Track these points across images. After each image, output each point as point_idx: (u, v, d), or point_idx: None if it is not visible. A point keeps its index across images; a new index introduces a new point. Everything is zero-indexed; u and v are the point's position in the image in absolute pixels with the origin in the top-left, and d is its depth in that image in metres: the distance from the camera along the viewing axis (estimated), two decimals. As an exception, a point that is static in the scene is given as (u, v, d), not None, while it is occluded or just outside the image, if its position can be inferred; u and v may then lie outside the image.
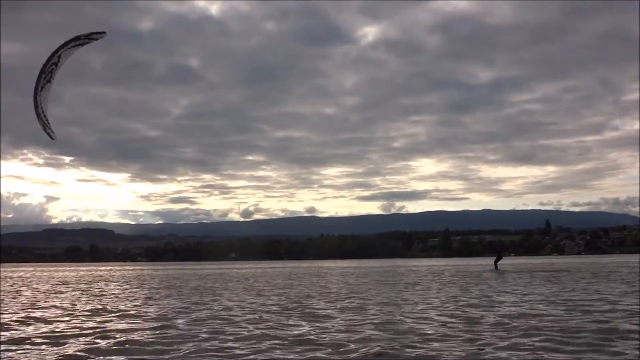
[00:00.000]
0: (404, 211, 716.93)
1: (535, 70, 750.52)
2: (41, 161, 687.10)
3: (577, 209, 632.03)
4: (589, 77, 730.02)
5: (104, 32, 15.50)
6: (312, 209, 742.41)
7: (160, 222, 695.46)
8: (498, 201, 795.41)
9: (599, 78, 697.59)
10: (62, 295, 19.20)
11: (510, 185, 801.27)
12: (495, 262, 42.62)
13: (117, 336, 8.90)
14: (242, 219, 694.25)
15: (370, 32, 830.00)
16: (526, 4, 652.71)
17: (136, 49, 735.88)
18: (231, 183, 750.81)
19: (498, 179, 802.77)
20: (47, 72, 15.42)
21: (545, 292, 16.81)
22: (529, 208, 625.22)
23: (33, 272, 58.74)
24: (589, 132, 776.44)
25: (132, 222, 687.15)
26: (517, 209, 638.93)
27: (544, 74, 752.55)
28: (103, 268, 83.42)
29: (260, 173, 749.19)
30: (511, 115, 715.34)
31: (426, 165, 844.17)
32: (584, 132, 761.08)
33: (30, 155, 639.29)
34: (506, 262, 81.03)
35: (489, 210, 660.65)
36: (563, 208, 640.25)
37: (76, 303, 15.72)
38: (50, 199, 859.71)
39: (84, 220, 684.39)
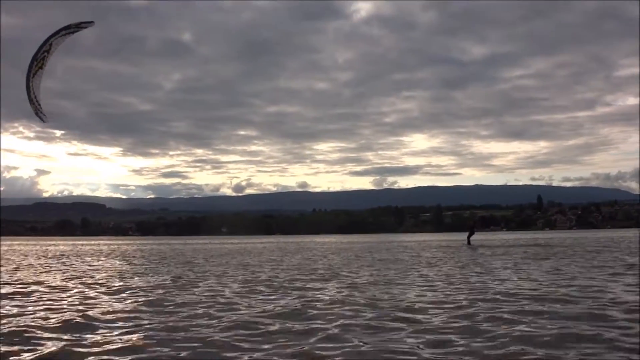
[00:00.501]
0: (396, 186, 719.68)
1: (528, 46, 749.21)
2: (32, 135, 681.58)
3: (569, 184, 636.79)
4: (581, 53, 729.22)
5: (92, 22, 17.75)
6: (304, 184, 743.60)
7: (152, 196, 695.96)
8: (490, 176, 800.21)
9: (591, 54, 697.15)
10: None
11: (502, 161, 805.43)
12: (468, 237, 43.03)
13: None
14: (234, 194, 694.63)
15: (363, 7, 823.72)
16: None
17: (129, 22, 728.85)
18: (223, 158, 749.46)
19: (490, 154, 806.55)
20: (39, 59, 16.42)
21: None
22: (520, 183, 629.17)
23: (28, 246, 57.84)
24: (581, 108, 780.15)
25: (124, 197, 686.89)
26: (509, 184, 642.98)
27: (536, 50, 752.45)
28: (98, 242, 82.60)
29: (253, 148, 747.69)
30: (504, 90, 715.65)
31: (418, 141, 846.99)
32: (576, 107, 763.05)
33: (21, 129, 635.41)
34: (495, 236, 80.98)
35: (481, 185, 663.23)
36: (554, 183, 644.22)
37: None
38: (41, 172, 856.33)
39: (75, 194, 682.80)
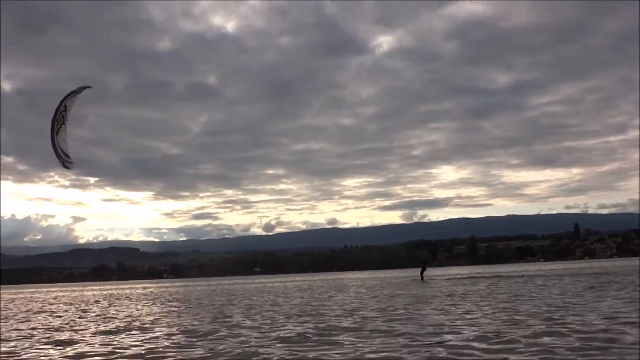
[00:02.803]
0: (426, 219, 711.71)
1: (555, 72, 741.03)
2: (67, 183, 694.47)
3: (605, 211, 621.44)
4: (610, 77, 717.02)
5: (90, 87, 20.08)
6: (333, 221, 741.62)
7: (184, 238, 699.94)
8: (522, 206, 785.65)
9: (620, 77, 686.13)
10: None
11: (535, 190, 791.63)
12: (421, 273, 44.19)
13: None
14: (264, 233, 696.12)
15: (385, 41, 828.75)
16: (543, 4, 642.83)
17: (155, 68, 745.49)
18: (252, 197, 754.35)
19: (521, 184, 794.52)
20: (58, 119, 18.79)
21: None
22: (554, 212, 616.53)
23: (78, 292, 58.69)
24: (613, 132, 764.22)
25: (157, 240, 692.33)
26: (543, 213, 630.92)
27: (564, 75, 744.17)
28: (139, 286, 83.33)
29: (281, 186, 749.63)
30: (532, 118, 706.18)
31: (447, 173, 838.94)
32: (607, 132, 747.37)
33: (56, 178, 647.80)
34: (535, 267, 79.45)
35: (514, 215, 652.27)
36: (590, 211, 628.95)
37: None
38: (77, 219, 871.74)
39: (109, 239, 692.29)
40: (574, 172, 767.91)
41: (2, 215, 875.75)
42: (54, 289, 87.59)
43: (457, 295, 20.96)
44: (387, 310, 15.69)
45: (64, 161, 19.06)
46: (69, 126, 19.24)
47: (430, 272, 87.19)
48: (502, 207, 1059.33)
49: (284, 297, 26.32)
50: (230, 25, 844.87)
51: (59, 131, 18.83)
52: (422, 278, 42.43)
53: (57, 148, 18.81)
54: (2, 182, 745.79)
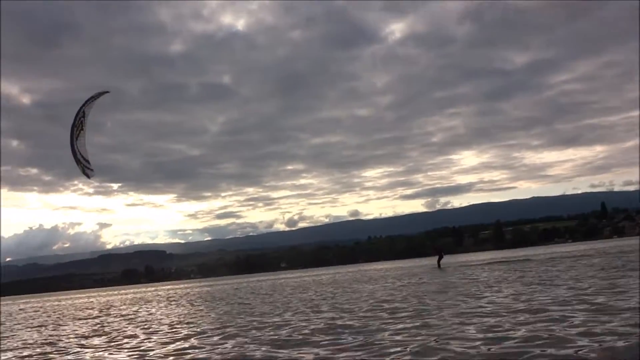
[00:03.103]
0: (449, 206, 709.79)
1: (571, 49, 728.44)
2: (91, 190, 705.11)
3: (632, 188, 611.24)
4: (627, 50, 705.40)
5: (108, 91, 20.31)
6: (355, 212, 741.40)
7: (209, 238, 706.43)
8: (547, 187, 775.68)
9: (637, 49, 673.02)
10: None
11: (558, 170, 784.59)
12: (438, 261, 44.93)
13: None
14: (287, 229, 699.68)
15: (397, 28, 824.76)
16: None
17: (169, 72, 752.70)
18: (274, 194, 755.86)
19: (544, 165, 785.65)
20: (77, 125, 19.21)
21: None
22: (580, 192, 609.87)
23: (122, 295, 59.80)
24: (634, 107, 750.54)
25: (182, 241, 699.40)
26: (568, 193, 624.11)
27: (581, 51, 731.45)
28: (182, 286, 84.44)
29: (302, 181, 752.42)
30: (551, 97, 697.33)
31: (468, 158, 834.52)
32: (628, 107, 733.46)
33: (80, 186, 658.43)
34: (561, 249, 78.79)
35: (538, 197, 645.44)
36: (616, 188, 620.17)
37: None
38: (103, 225, 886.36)
39: (136, 243, 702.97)
40: (598, 150, 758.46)
41: (30, 225, 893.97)
42: (103, 293, 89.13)
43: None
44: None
45: (84, 167, 19.46)
46: (87, 132, 19.66)
47: (457, 258, 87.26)
48: (526, 189, 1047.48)
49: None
50: (240, 24, 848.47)
51: (78, 137, 19.25)
52: (439, 266, 42.84)
53: (77, 154, 19.21)
54: (28, 193, 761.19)
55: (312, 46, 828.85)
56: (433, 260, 57.98)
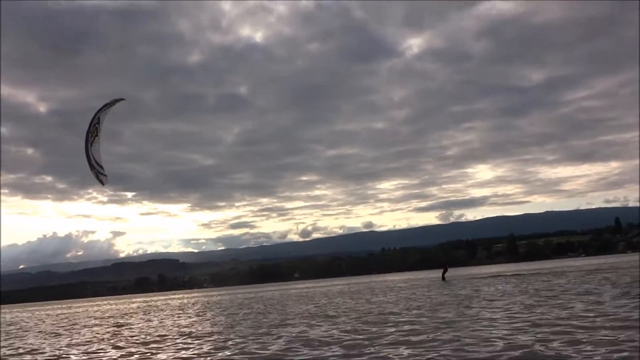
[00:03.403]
0: (463, 219, 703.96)
1: (589, 67, 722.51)
2: (105, 199, 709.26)
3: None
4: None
5: (123, 99, 20.44)
6: (369, 224, 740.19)
7: (223, 248, 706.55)
8: (561, 202, 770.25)
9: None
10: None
11: (573, 185, 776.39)
12: (443, 274, 46.45)
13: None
14: (301, 239, 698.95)
15: (414, 43, 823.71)
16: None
17: (187, 82, 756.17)
18: (288, 204, 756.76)
19: (559, 179, 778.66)
20: (92, 131, 19.57)
21: None
22: (594, 207, 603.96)
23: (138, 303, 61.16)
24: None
25: (196, 250, 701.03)
26: (582, 208, 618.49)
27: (598, 69, 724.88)
28: (190, 295, 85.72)
29: (316, 192, 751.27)
30: (567, 114, 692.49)
31: (482, 172, 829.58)
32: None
33: (95, 194, 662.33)
34: (573, 263, 79.04)
35: (552, 212, 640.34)
36: (630, 204, 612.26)
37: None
38: (117, 234, 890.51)
39: (149, 252, 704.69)
40: (613, 166, 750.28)
41: (44, 233, 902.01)
42: (121, 301, 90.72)
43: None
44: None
45: (98, 172, 19.78)
46: (105, 141, 20.22)
47: (469, 270, 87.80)
48: (540, 203, 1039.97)
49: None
50: (258, 36, 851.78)
51: (92, 143, 19.63)
52: (443, 279, 44.08)
53: (91, 159, 19.58)
54: (42, 201, 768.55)
55: (329, 59, 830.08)
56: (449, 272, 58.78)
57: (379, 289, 34.25)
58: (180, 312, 25.26)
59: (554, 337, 8.62)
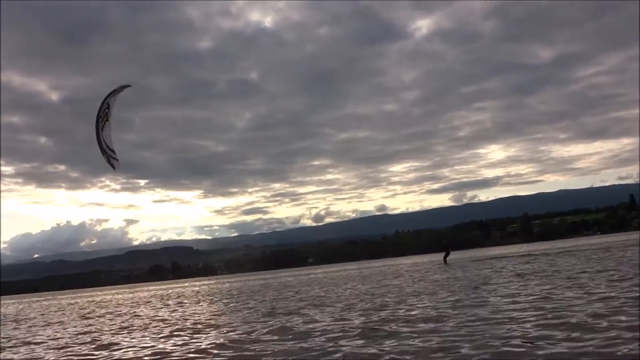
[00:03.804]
0: (476, 200, 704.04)
1: (598, 43, 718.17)
2: (118, 187, 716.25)
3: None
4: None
5: (129, 85, 20.28)
6: (382, 207, 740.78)
7: (236, 234, 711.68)
8: (574, 180, 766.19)
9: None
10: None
11: (586, 163, 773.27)
12: (445, 257, 45.95)
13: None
14: (314, 224, 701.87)
15: (423, 25, 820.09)
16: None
17: (197, 68, 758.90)
18: (301, 189, 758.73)
19: (571, 158, 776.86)
20: (102, 116, 19.36)
21: None
22: (607, 184, 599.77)
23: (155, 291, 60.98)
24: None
25: (209, 237, 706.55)
26: (595, 186, 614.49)
27: (607, 45, 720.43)
28: (208, 282, 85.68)
29: (328, 176, 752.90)
30: (578, 90, 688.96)
31: (495, 152, 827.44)
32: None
33: (108, 182, 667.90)
34: (588, 241, 77.92)
35: (565, 190, 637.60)
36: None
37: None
38: (130, 222, 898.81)
39: (163, 239, 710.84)
40: (625, 142, 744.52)
41: (58, 222, 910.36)
42: (142, 289, 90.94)
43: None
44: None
45: (109, 156, 19.55)
46: (115, 130, 19.95)
47: (485, 252, 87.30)
48: (553, 182, 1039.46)
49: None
50: (268, 21, 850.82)
51: (103, 127, 19.42)
52: (445, 262, 43.97)
53: (103, 143, 19.35)
54: (56, 190, 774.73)
55: (339, 43, 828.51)
56: (454, 254, 58.12)
57: (390, 273, 33.65)
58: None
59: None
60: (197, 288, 50.70)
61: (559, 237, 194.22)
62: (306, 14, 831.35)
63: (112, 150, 19.69)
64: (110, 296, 54.85)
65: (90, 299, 49.75)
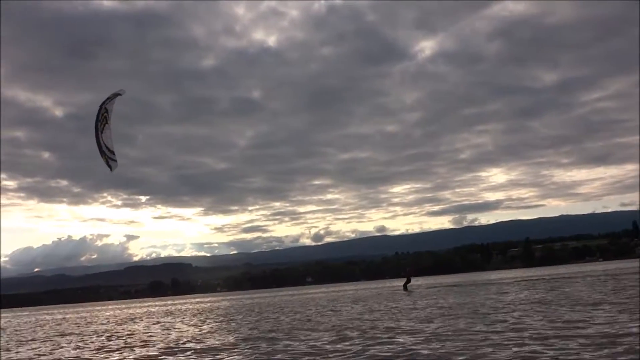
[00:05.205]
0: (476, 223, 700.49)
1: (603, 67, 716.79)
2: (120, 202, 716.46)
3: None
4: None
5: (123, 92, 20.46)
6: (382, 228, 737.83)
7: (235, 252, 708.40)
8: (576, 205, 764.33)
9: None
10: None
11: (588, 188, 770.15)
12: (405, 284, 45.83)
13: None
14: (313, 243, 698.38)
15: (427, 46, 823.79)
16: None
17: (200, 86, 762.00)
18: (301, 208, 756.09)
19: (574, 183, 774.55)
20: (101, 119, 19.37)
21: None
22: (610, 210, 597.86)
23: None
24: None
25: (208, 254, 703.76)
26: (597, 212, 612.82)
27: (613, 70, 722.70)
28: (206, 300, 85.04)
29: (329, 196, 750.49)
30: (582, 115, 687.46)
31: (496, 175, 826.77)
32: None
33: (109, 198, 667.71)
34: (591, 267, 77.28)
35: (567, 215, 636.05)
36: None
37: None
38: (131, 237, 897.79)
39: (162, 255, 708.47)
40: (628, 169, 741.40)
41: (59, 236, 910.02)
42: (143, 304, 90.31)
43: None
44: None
45: (108, 158, 19.37)
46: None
47: (487, 275, 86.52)
48: (555, 207, 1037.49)
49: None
50: (271, 40, 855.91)
51: (103, 129, 19.37)
52: (405, 289, 44.02)
53: (102, 145, 19.23)
54: (58, 205, 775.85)
55: (342, 62, 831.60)
56: (459, 277, 57.28)
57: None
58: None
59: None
60: (191, 306, 50.26)
61: (561, 263, 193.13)
62: (310, 33, 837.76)
63: (112, 152, 19.62)
64: (110, 312, 54.35)
65: (86, 314, 49.28)
